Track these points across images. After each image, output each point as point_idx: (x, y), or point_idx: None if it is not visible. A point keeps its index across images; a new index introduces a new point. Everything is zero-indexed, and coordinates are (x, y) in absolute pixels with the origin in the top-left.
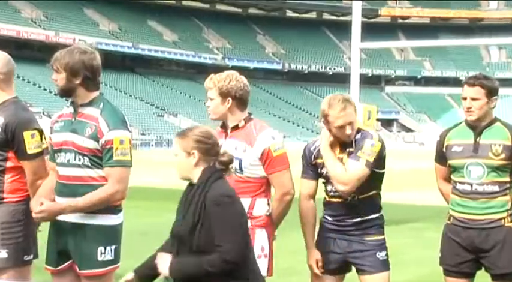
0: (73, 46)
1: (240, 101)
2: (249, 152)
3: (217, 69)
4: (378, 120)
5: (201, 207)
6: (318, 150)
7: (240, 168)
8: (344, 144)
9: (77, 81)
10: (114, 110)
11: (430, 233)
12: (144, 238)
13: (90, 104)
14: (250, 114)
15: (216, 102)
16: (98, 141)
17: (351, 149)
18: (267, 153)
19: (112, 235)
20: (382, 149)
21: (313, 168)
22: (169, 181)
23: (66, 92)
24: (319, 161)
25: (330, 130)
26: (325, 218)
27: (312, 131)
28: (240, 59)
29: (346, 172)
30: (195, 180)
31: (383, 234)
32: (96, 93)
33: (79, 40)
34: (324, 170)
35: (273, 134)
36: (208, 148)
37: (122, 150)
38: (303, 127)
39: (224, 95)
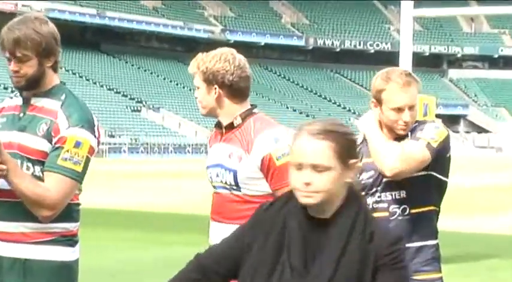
0: (24, 16)
1: (231, 89)
2: (245, 161)
3: (215, 46)
4: (437, 116)
5: (364, 260)
6: (359, 153)
7: (236, 184)
8: (397, 138)
9: (49, 64)
10: (81, 106)
11: (508, 274)
12: (111, 281)
13: (47, 94)
14: (253, 107)
15: (201, 92)
16: (51, 142)
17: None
18: (268, 162)
19: (65, 275)
20: (447, 140)
21: None
22: (147, 202)
23: (34, 83)
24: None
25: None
26: None
27: None
28: (245, 31)
29: (401, 148)
30: (333, 207)
31: (439, 271)
32: (57, 80)
33: (23, 6)
34: (362, 176)
35: (275, 134)
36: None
37: (73, 155)
38: None
39: (208, 81)
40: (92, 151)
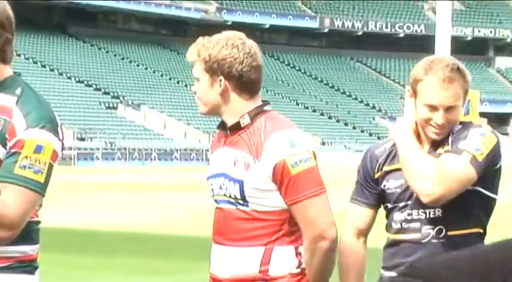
0: None
1: (240, 82)
2: (254, 170)
3: (208, 29)
4: (482, 115)
5: None
6: (390, 156)
7: (243, 197)
8: (435, 142)
9: None
10: (40, 102)
11: None
12: None
13: None
14: (265, 103)
15: (202, 85)
16: (6, 146)
17: (445, 149)
18: (282, 170)
19: None
20: (497, 149)
21: (373, 187)
22: (125, 221)
23: None
24: (387, 168)
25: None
26: (386, 272)
27: (371, 135)
28: (246, 11)
29: (439, 166)
30: None
31: None
32: (9, 71)
33: None
34: (388, 184)
35: (291, 136)
36: None
37: (33, 162)
38: (354, 127)
39: (213, 71)
40: (55, 156)
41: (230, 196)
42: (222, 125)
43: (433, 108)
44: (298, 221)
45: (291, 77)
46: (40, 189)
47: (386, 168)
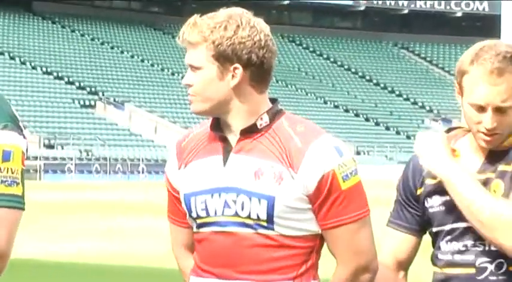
0: None
1: (262, 71)
2: (289, 183)
3: (209, 5)
4: None
5: None
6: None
7: (269, 218)
8: (491, 153)
9: None
10: None
11: None
12: None
13: None
14: (275, 101)
15: (206, 76)
16: None
17: (504, 167)
18: (330, 183)
19: None
20: None
21: (414, 207)
22: (103, 250)
23: None
24: (431, 181)
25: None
26: None
27: None
28: None
29: (507, 207)
30: None
31: None
32: None
33: None
34: (432, 202)
35: (335, 142)
36: None
37: (5, 173)
38: (398, 132)
39: (225, 58)
40: (24, 159)
41: (249, 217)
42: (218, 128)
43: (480, 108)
44: (337, 248)
45: (317, 67)
46: (21, 203)
47: (429, 181)
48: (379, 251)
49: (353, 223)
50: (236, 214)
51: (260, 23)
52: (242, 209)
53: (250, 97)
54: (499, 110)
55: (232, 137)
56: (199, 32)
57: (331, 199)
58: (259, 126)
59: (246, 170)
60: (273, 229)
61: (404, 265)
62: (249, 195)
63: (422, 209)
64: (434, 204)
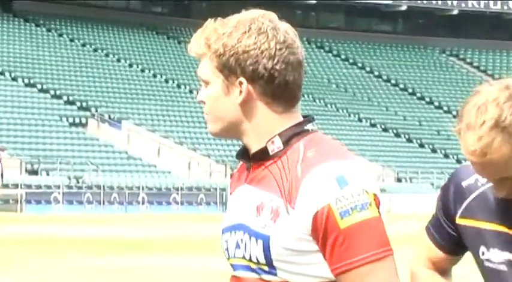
0: None
1: (272, 85)
2: (285, 220)
3: (222, 5)
4: None
5: None
6: (483, 202)
7: (268, 262)
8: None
9: None
10: None
11: None
12: None
13: None
14: (307, 120)
15: (213, 91)
16: None
17: None
18: (325, 221)
19: None
20: None
21: (453, 229)
22: None
23: None
24: (479, 223)
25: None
26: None
27: None
28: None
29: None
30: None
31: None
32: None
33: None
34: (489, 254)
35: (340, 170)
36: None
37: None
38: (446, 155)
39: (229, 69)
40: None
41: (251, 260)
42: (244, 152)
43: (476, 166)
44: None
45: (350, 78)
46: None
47: (477, 222)
48: (414, 251)
49: (361, 267)
50: (243, 256)
51: (278, 29)
52: (246, 249)
53: (263, 117)
54: (498, 180)
55: (251, 164)
56: (205, 39)
57: (330, 240)
58: (270, 152)
59: (250, 204)
60: (275, 275)
61: (441, 267)
62: (250, 234)
63: (461, 237)
64: (493, 258)
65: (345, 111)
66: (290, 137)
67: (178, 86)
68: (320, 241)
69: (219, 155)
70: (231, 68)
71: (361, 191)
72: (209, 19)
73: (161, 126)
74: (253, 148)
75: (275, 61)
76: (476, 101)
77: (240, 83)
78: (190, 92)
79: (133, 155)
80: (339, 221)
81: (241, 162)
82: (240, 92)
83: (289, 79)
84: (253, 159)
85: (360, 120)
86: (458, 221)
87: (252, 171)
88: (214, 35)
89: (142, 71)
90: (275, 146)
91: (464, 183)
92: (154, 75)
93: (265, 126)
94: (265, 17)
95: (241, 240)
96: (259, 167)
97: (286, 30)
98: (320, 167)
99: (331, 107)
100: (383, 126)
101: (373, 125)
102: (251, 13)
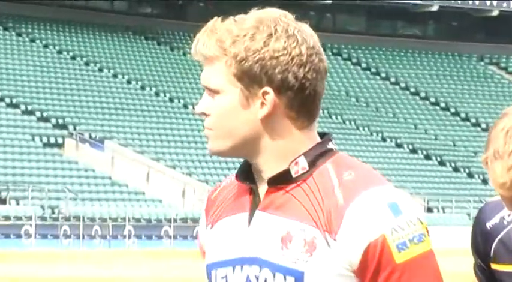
0: None
1: (301, 97)
2: (325, 254)
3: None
4: None
5: None
6: (507, 234)
7: None
8: None
9: None
10: None
11: None
12: None
13: None
14: (327, 138)
15: (228, 102)
16: None
17: None
18: (379, 254)
19: None
20: None
21: (491, 276)
22: None
23: None
24: (501, 268)
25: None
26: None
27: None
28: None
29: None
30: None
31: None
32: None
33: None
34: None
35: (390, 196)
36: None
37: None
38: (485, 181)
39: (251, 78)
40: None
41: None
42: (246, 172)
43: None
44: None
45: (372, 91)
46: None
47: (508, 266)
48: None
49: None
50: None
51: (304, 31)
52: None
53: (286, 133)
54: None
55: (263, 188)
56: (217, 41)
57: (384, 275)
58: (293, 174)
59: (271, 235)
60: None
61: None
62: (273, 270)
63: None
64: None
65: (366, 129)
66: (316, 157)
67: (171, 100)
68: (369, 277)
69: (219, 181)
70: (254, 76)
71: (416, 220)
72: (215, 18)
73: (151, 147)
74: (269, 169)
75: (306, 69)
76: (505, 125)
77: (264, 94)
78: (185, 106)
79: (118, 181)
80: (395, 254)
81: (227, 181)
82: (263, 104)
83: (318, 89)
84: (271, 182)
85: (383, 139)
86: (493, 266)
87: (266, 196)
88: (229, 37)
89: (129, 82)
90: (299, 168)
91: (489, 224)
92: (143, 88)
93: (288, 144)
94: (287, 18)
95: (257, 277)
96: (276, 191)
97: (312, 34)
98: (368, 192)
99: (350, 124)
100: (411, 147)
101: (399, 146)
102: (269, 12)
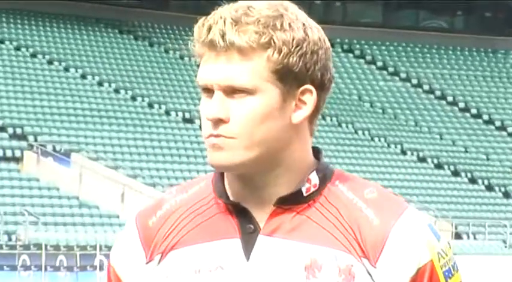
0: None
1: (326, 97)
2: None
3: None
4: None
5: None
6: None
7: None
8: None
9: None
10: None
11: None
12: None
13: None
14: (320, 150)
15: (266, 105)
16: None
17: None
18: (428, 281)
19: None
20: None
21: None
22: None
23: None
24: None
25: None
26: None
27: None
28: None
29: None
30: None
31: None
32: None
33: None
34: None
35: (425, 219)
36: None
37: None
38: None
39: (296, 75)
40: None
41: None
42: (222, 190)
43: None
44: None
45: (390, 94)
46: None
47: None
48: None
49: None
50: None
51: (308, 19)
52: None
53: (304, 142)
54: None
55: (257, 208)
56: (256, 32)
57: None
58: (305, 193)
59: (289, 264)
60: None
61: None
62: None
63: None
64: None
65: (382, 139)
66: (326, 172)
67: (150, 106)
68: None
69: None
70: (297, 72)
71: (448, 244)
72: (222, 7)
73: (126, 162)
74: (277, 186)
75: (332, 64)
76: None
77: (305, 92)
78: (167, 113)
79: (88, 202)
80: (441, 277)
81: (174, 200)
82: (297, 106)
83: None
84: (279, 202)
85: (403, 152)
86: None
87: (270, 218)
88: (270, 26)
89: (100, 84)
90: (311, 185)
91: None
92: (117, 91)
93: (304, 155)
94: (294, 7)
95: None
96: (283, 213)
97: (317, 26)
98: (406, 214)
99: (364, 134)
100: (436, 161)
101: (421, 160)
102: (273, 2)
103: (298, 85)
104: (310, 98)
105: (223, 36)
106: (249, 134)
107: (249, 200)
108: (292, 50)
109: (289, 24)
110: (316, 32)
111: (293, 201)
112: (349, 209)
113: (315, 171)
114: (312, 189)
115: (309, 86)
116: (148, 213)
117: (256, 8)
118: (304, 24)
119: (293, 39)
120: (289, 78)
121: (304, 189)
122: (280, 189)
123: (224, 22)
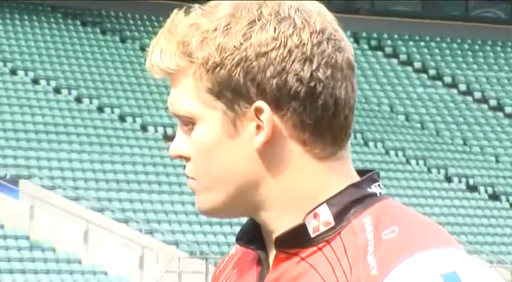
0: None
1: (312, 111)
2: None
3: None
4: None
5: None
6: None
7: None
8: None
9: None
10: None
11: None
12: None
13: None
14: (371, 177)
15: (207, 135)
16: None
17: None
18: None
19: None
20: None
21: None
22: None
23: None
24: None
25: None
26: None
27: None
28: None
29: None
30: None
31: None
32: None
33: None
34: None
35: (451, 264)
36: None
37: None
38: None
39: (235, 90)
40: None
41: None
42: (252, 231)
43: None
44: None
45: (431, 103)
46: None
47: None
48: None
49: None
50: None
51: (306, 10)
52: None
53: (298, 168)
54: None
55: (274, 255)
56: (179, 45)
57: None
58: (311, 233)
59: None
60: None
61: None
62: None
63: None
64: None
65: (421, 162)
66: (347, 206)
67: (122, 119)
68: None
69: (195, 242)
70: (237, 87)
71: None
72: (175, 11)
73: (90, 191)
74: (278, 226)
75: (314, 65)
76: None
77: (257, 112)
78: (143, 128)
79: (41, 242)
80: None
81: (233, 250)
82: (258, 127)
83: (339, 94)
84: (279, 245)
85: (448, 179)
86: None
87: (274, 264)
88: (194, 35)
89: (57, 91)
90: (320, 222)
91: None
92: (79, 100)
93: (302, 184)
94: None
95: None
96: (287, 258)
97: (320, 12)
98: (414, 259)
99: (397, 155)
100: (490, 190)
101: (471, 188)
102: None
103: (246, 102)
104: (264, 117)
105: (150, 57)
106: (204, 172)
107: (268, 245)
108: (223, 60)
109: (227, 26)
110: (271, 30)
111: (296, 243)
112: (357, 254)
113: (325, 204)
114: (323, 229)
115: (258, 103)
116: (220, 262)
117: (207, 10)
118: (253, 23)
119: (223, 47)
120: (227, 95)
121: (310, 228)
122: (282, 226)
123: (158, 37)
